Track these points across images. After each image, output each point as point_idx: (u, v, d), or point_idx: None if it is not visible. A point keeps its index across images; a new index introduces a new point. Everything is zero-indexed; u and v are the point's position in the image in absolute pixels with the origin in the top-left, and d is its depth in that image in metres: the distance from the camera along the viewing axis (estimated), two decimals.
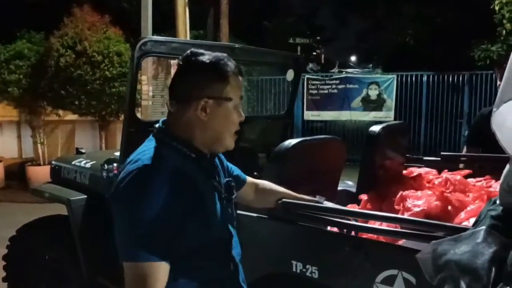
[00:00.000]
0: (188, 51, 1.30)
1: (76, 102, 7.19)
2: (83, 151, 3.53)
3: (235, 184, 1.49)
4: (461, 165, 2.94)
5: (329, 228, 1.85)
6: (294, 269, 1.84)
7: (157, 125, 1.33)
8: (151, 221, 1.12)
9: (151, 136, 1.32)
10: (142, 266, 1.11)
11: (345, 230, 1.77)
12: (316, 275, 1.79)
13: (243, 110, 1.36)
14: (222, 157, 1.50)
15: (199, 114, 1.25)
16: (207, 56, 1.28)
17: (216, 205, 1.31)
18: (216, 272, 1.30)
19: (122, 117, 7.64)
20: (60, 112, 8.04)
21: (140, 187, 1.15)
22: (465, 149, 3.25)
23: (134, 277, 1.12)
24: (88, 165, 3.15)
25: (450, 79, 9.63)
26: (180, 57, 1.31)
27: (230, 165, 1.55)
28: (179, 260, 1.20)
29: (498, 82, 2.98)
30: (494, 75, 8.73)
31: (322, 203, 1.79)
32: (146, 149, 1.25)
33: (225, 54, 1.32)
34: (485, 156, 2.85)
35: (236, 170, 1.59)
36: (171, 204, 1.15)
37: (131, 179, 1.17)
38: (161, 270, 1.13)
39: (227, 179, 1.41)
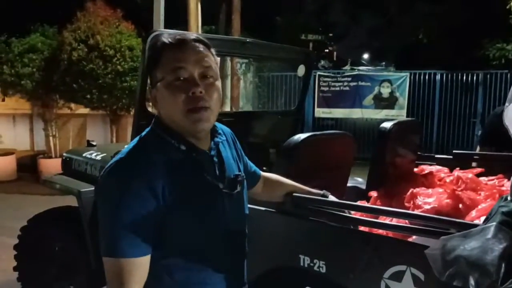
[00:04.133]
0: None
1: (88, 96, 7.24)
2: (94, 143, 3.56)
3: (249, 180, 1.42)
4: (474, 164, 2.91)
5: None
6: (301, 264, 1.84)
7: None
8: (127, 217, 1.09)
9: (149, 126, 1.26)
10: (116, 262, 1.10)
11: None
12: (323, 270, 1.78)
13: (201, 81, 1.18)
14: (241, 152, 1.43)
15: (155, 105, 1.22)
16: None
17: (209, 201, 1.22)
18: (210, 272, 1.22)
19: (133, 111, 7.69)
20: (72, 105, 8.12)
21: (117, 182, 1.12)
22: (478, 148, 3.22)
23: (110, 272, 1.11)
24: (98, 157, 3.18)
25: (464, 78, 9.52)
26: None
27: (248, 161, 1.50)
28: (170, 256, 1.16)
29: None
30: (509, 74, 8.65)
31: (327, 197, 1.77)
32: (135, 142, 1.21)
33: (161, 31, 1.25)
34: (497, 155, 2.82)
35: (253, 167, 1.54)
36: (149, 199, 1.10)
37: (108, 173, 1.14)
38: (136, 265, 1.11)
39: (236, 173, 1.30)
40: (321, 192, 1.76)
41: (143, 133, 1.24)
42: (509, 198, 1.20)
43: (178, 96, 1.15)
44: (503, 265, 1.04)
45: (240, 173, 1.33)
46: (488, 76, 9.27)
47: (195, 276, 1.20)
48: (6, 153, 8.40)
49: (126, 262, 1.10)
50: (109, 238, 1.11)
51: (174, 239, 1.16)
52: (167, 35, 1.21)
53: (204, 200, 1.21)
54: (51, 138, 8.28)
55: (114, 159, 1.17)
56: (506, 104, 1.22)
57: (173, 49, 1.17)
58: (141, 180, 1.11)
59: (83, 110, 8.33)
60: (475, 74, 9.41)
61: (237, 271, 1.32)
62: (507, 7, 7.98)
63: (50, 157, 8.20)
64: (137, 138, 1.22)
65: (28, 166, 8.46)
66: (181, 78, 1.16)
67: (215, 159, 1.26)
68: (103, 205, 1.14)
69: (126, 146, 1.21)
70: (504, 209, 1.16)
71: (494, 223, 1.12)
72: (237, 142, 1.43)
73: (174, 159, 1.18)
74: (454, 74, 9.58)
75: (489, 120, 3.28)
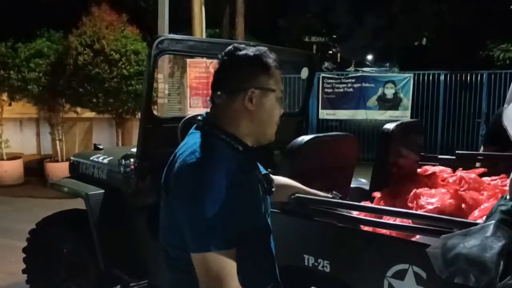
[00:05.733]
0: (231, 46, 1.34)
1: (94, 100, 7.30)
2: (101, 147, 3.60)
3: None
4: (477, 164, 2.92)
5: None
6: (306, 263, 1.87)
7: (200, 117, 1.35)
8: (216, 211, 1.14)
9: (193, 129, 1.34)
10: (214, 256, 1.13)
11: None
12: (328, 269, 1.81)
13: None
14: None
15: (247, 104, 1.28)
16: (251, 50, 1.32)
17: (260, 196, 1.33)
18: (259, 263, 1.32)
19: (138, 115, 7.74)
20: (78, 109, 8.17)
21: (201, 178, 1.17)
22: (482, 148, 3.23)
23: (207, 267, 1.14)
24: (105, 161, 3.22)
25: (468, 78, 9.50)
26: (223, 52, 1.34)
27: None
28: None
29: None
30: None
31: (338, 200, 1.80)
32: (197, 141, 1.27)
33: (266, 48, 1.35)
34: (501, 155, 2.84)
35: (262, 168, 1.60)
36: (229, 194, 1.16)
37: (191, 170, 1.20)
38: (232, 258, 1.16)
39: (265, 172, 1.42)
40: (330, 195, 1.80)
41: (201, 135, 1.29)
42: (508, 197, 1.23)
43: (278, 111, 1.36)
44: (502, 262, 1.07)
45: (267, 172, 1.44)
46: (492, 76, 9.25)
47: (254, 262, 1.29)
48: (13, 157, 8.46)
49: (222, 255, 1.14)
50: (199, 235, 1.15)
51: (241, 230, 1.21)
52: (273, 55, 1.34)
53: (258, 195, 1.32)
54: (57, 142, 8.33)
55: (190, 159, 1.21)
56: (505, 105, 1.25)
57: (279, 72, 1.35)
58: (221, 177, 1.17)
59: (89, 114, 8.39)
60: (479, 75, 9.40)
61: (275, 261, 1.42)
62: (511, 7, 7.97)
63: (57, 161, 8.26)
64: (200, 140, 1.27)
65: (35, 170, 8.52)
66: (281, 98, 1.37)
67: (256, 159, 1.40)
68: (187, 204, 1.18)
69: (191, 146, 1.25)
70: (503, 208, 1.19)
71: (493, 221, 1.15)
72: None
73: (237, 159, 1.26)
74: (458, 74, 9.56)
75: (493, 120, 3.29)
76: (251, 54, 1.30)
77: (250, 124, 1.31)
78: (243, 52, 1.31)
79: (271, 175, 1.44)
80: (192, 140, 1.28)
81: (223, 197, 1.15)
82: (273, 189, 1.40)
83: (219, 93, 1.30)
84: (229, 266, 1.14)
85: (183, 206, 1.19)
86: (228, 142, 1.28)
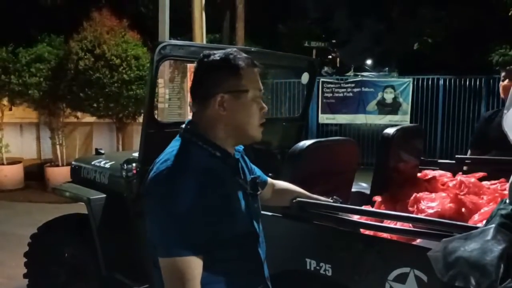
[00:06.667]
0: (201, 54, 1.36)
1: (95, 105, 7.32)
2: (102, 151, 3.61)
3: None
4: (464, 168, 2.95)
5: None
6: (308, 267, 1.88)
7: (183, 126, 1.37)
8: (182, 217, 1.17)
9: (177, 136, 1.36)
10: (177, 262, 1.16)
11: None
12: (329, 273, 1.82)
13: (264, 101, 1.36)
14: (246, 157, 1.53)
15: (218, 110, 1.29)
16: (217, 54, 1.32)
17: (241, 201, 1.34)
18: (242, 267, 1.33)
19: (138, 120, 7.77)
20: (79, 114, 8.19)
21: (170, 185, 1.20)
22: (469, 152, 3.26)
23: (170, 273, 1.18)
24: (107, 165, 3.23)
25: (467, 82, 9.54)
26: (196, 60, 1.36)
27: (253, 165, 1.59)
28: (205, 254, 1.23)
29: (501, 83, 3.02)
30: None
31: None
32: (174, 149, 1.30)
33: (234, 49, 1.35)
34: (499, 159, 2.85)
35: (258, 171, 1.61)
36: (199, 201, 1.19)
37: (161, 178, 1.23)
38: (196, 264, 1.18)
39: (252, 176, 1.44)
40: (331, 199, 1.82)
41: (180, 143, 1.33)
42: (507, 201, 1.24)
43: (257, 111, 1.33)
44: (502, 265, 1.08)
45: (255, 176, 1.45)
46: (491, 80, 9.29)
47: (236, 266, 1.31)
48: (14, 161, 8.47)
49: (186, 261, 1.16)
50: (164, 240, 1.19)
51: (211, 238, 1.23)
52: (242, 55, 1.32)
53: (238, 200, 1.33)
54: (57, 146, 8.34)
55: (162, 166, 1.25)
56: (505, 111, 1.27)
57: (252, 70, 1.33)
58: (191, 184, 1.19)
59: (89, 118, 8.40)
60: (478, 79, 9.43)
61: (264, 263, 1.43)
62: (510, 13, 8.01)
63: (57, 166, 8.26)
64: (178, 147, 1.30)
65: (35, 175, 8.52)
66: (259, 97, 1.34)
67: (241, 164, 1.41)
68: (155, 209, 1.22)
69: (167, 154, 1.28)
70: (503, 212, 1.21)
71: (493, 225, 1.17)
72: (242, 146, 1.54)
73: (213, 165, 1.28)
74: (458, 79, 9.59)
75: (478, 125, 3.33)
76: (218, 58, 1.31)
77: (227, 128, 1.32)
78: (210, 58, 1.32)
79: (259, 179, 1.46)
80: (170, 148, 1.32)
81: (190, 205, 1.18)
82: (259, 193, 1.42)
83: (193, 102, 1.33)
84: (193, 272, 1.17)
85: (150, 211, 1.23)
86: (205, 149, 1.30)
